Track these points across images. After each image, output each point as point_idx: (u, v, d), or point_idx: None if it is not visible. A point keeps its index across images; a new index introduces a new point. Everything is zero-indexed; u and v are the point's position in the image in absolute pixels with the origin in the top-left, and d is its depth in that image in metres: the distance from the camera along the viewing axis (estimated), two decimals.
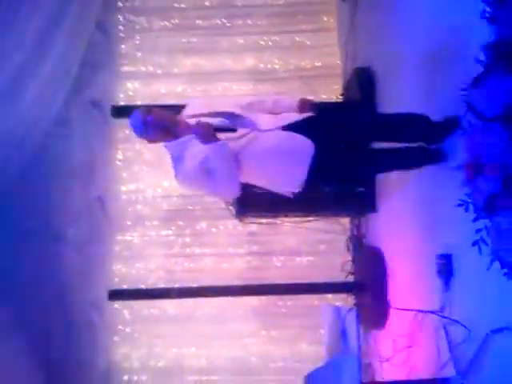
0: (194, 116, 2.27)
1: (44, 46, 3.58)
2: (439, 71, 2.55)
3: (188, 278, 3.99)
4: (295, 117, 2.34)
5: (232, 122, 2.26)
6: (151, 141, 2.28)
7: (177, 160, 2.24)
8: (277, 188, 2.41)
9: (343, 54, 3.97)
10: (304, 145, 2.28)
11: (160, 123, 2.20)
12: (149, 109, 2.24)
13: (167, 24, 4.29)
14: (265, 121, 2.31)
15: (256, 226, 3.86)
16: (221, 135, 2.21)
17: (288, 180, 2.32)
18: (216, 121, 2.23)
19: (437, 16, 2.60)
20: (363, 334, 3.34)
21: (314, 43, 4.22)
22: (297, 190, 2.35)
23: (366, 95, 3.38)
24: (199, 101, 2.43)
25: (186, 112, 2.33)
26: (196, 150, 2.20)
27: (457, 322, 2.28)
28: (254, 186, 3.08)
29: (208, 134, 2.17)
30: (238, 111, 2.29)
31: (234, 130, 2.22)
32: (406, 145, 2.47)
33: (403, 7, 3.03)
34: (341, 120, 2.44)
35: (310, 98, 2.56)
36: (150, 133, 2.21)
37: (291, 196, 2.40)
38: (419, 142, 2.45)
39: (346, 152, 2.40)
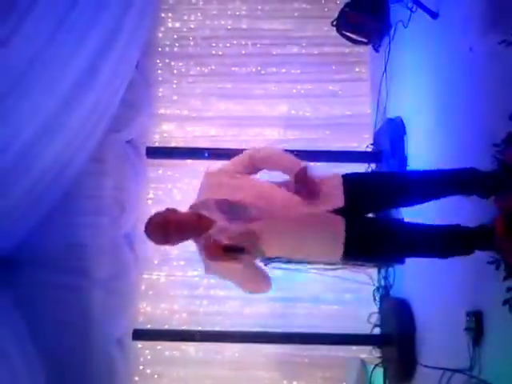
0: (205, 202, 2.15)
1: (85, 85, 3.72)
2: (470, 125, 2.56)
3: (211, 321, 3.96)
4: (320, 207, 2.11)
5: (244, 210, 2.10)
6: (175, 243, 2.19)
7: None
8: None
9: (374, 104, 4.02)
10: (334, 222, 2.11)
11: (182, 228, 2.10)
12: (168, 215, 2.12)
13: (203, 70, 4.43)
14: (280, 199, 2.12)
15: (281, 271, 3.84)
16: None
17: (327, 254, 2.21)
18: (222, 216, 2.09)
19: (469, 69, 2.63)
20: None
21: (346, 92, 4.29)
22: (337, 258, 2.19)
23: (395, 146, 3.40)
24: (203, 183, 2.25)
25: (198, 198, 2.21)
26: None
27: (485, 382, 2.21)
28: None
29: (217, 256, 2.03)
30: (248, 201, 2.11)
31: (242, 250, 2.03)
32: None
33: (435, 60, 3.08)
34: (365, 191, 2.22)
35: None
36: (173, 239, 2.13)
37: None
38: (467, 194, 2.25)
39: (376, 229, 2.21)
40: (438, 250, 2.23)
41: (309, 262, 2.49)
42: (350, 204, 2.14)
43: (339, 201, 2.12)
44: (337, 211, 2.13)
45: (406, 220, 2.59)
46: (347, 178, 2.20)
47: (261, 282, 2.17)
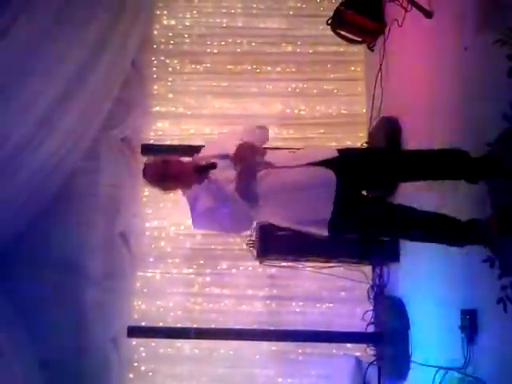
0: (204, 158, 2.23)
1: (80, 82, 3.72)
2: (466, 125, 2.57)
3: (206, 318, 3.98)
4: (316, 156, 2.23)
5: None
6: (167, 190, 2.23)
7: (193, 202, 2.20)
8: (303, 227, 2.26)
9: (369, 103, 4.03)
10: (326, 177, 2.17)
11: (175, 173, 2.16)
12: (164, 160, 2.18)
13: (199, 67, 4.42)
14: (279, 157, 2.25)
15: (276, 269, 3.86)
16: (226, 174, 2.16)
17: (314, 218, 2.17)
18: (225, 163, 2.17)
19: (464, 69, 2.64)
20: None
21: (341, 91, 4.30)
22: (325, 232, 2.19)
23: (391, 145, 3.41)
24: (212, 142, 2.41)
25: (201, 154, 2.30)
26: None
27: (479, 379, 2.23)
28: (277, 229, 3.08)
29: (192, 175, 2.14)
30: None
31: (214, 166, 2.14)
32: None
33: (429, 59, 3.09)
34: (367, 158, 2.33)
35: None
36: (168, 183, 2.18)
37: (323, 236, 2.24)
38: (455, 178, 2.32)
39: (374, 202, 2.32)
40: (428, 232, 2.25)
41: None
42: (343, 175, 2.18)
43: (332, 152, 2.22)
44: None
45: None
46: (341, 150, 2.29)
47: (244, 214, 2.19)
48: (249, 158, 2.16)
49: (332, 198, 2.14)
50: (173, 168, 2.16)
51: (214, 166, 2.13)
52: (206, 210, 2.16)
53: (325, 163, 2.20)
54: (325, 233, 2.20)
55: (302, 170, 2.19)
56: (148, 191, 4.27)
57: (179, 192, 2.26)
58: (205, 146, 2.37)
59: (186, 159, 2.26)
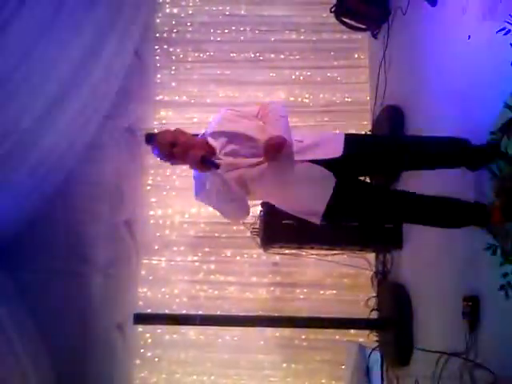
0: (211, 134, 2.25)
1: (83, 71, 3.71)
2: (469, 114, 2.58)
3: (211, 305, 4.02)
4: (319, 154, 2.24)
5: (243, 144, 2.21)
6: (174, 163, 2.28)
7: (198, 178, 2.27)
8: (295, 214, 2.31)
9: (373, 90, 4.02)
10: (325, 178, 2.20)
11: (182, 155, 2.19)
12: (173, 133, 2.22)
13: (202, 56, 4.41)
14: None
15: (280, 256, 3.89)
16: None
17: (307, 210, 2.23)
18: (223, 142, 2.21)
19: (467, 57, 2.64)
20: (386, 373, 3.31)
21: (345, 79, 4.29)
22: (317, 221, 2.25)
23: (394, 133, 3.41)
24: (225, 119, 2.31)
25: (208, 129, 2.30)
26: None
27: (481, 365, 2.26)
28: (281, 217, 3.11)
29: (197, 164, 2.16)
30: (252, 134, 2.24)
31: (217, 167, 2.16)
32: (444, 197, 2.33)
33: (433, 47, 3.09)
34: (370, 146, 2.35)
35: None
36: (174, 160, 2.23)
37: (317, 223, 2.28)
38: (457, 166, 2.36)
39: (374, 193, 2.33)
40: (430, 215, 2.29)
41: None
42: (346, 160, 2.21)
43: (338, 150, 2.23)
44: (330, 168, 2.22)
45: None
46: (348, 135, 2.32)
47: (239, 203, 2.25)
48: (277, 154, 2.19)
49: (328, 195, 2.19)
50: (180, 149, 2.18)
51: (217, 166, 2.16)
52: (207, 193, 2.23)
53: (326, 162, 2.22)
54: (317, 222, 2.25)
55: (302, 169, 2.21)
56: (152, 180, 4.30)
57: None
58: (217, 120, 2.31)
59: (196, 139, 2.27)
